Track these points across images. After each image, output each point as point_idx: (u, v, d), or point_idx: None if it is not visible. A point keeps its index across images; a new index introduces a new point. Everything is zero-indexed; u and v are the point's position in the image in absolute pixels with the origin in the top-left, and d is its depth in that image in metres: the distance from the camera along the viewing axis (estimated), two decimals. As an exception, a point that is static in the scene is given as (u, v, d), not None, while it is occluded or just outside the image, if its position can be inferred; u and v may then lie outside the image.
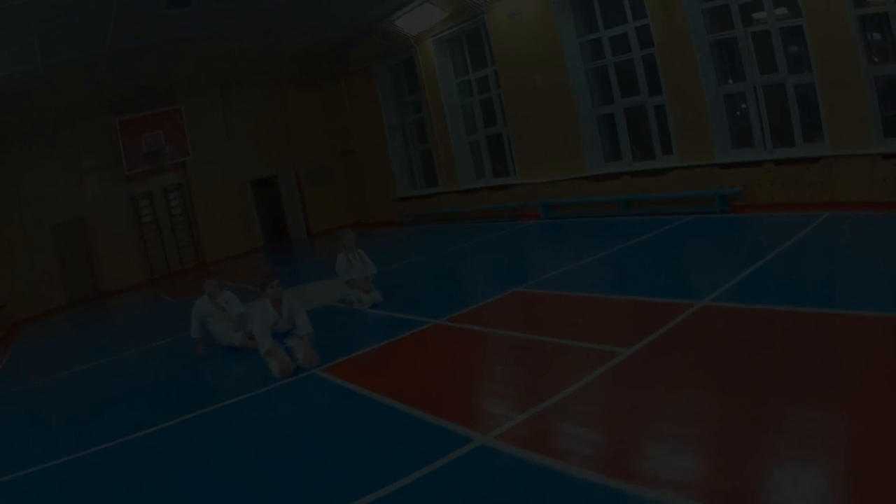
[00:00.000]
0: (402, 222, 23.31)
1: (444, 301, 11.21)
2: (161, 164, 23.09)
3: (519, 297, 10.49)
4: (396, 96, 24.14)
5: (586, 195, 16.98)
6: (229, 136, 24.53)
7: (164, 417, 7.89)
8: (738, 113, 14.39)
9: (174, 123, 23.18)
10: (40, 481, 6.71)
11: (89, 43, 15.44)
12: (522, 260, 14.50)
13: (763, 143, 13.67)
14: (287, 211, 26.08)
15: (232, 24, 16.93)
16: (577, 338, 7.71)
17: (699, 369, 6.23)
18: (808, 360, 5.90)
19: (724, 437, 4.86)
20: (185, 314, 11.49)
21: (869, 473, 3.93)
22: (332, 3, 17.97)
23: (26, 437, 8.94)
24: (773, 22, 12.90)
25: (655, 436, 5.14)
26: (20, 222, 20.97)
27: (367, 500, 4.85)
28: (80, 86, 18.28)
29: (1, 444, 8.71)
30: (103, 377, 11.50)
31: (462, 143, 21.27)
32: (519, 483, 4.77)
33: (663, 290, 9.09)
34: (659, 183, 15.36)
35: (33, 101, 18.00)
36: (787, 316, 7.02)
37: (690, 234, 12.76)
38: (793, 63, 12.85)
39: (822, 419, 4.75)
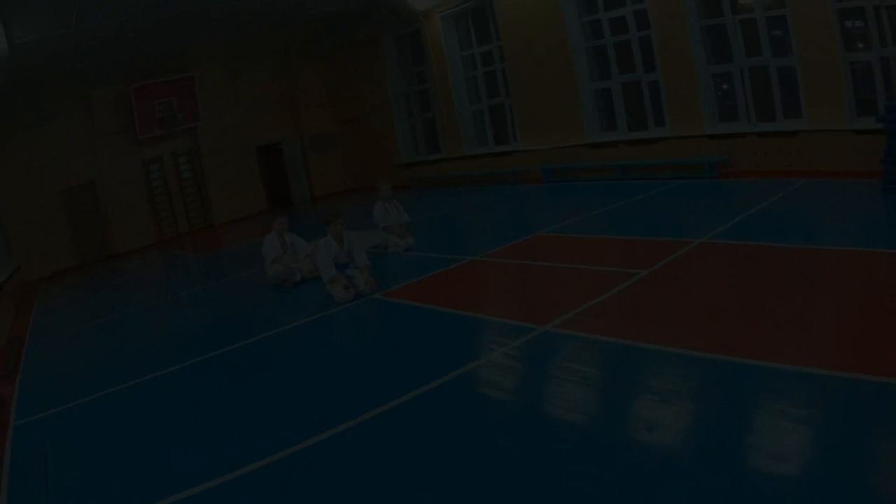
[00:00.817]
0: (408, 186, 24.82)
1: (473, 245, 13.03)
2: (173, 130, 24.16)
3: (540, 239, 12.24)
4: (402, 67, 25.68)
5: (584, 161, 18.72)
6: (238, 103, 25.73)
7: (244, 337, 9.31)
8: (721, 90, 16.20)
9: (186, 90, 24.32)
10: (155, 386, 8.05)
11: (123, 10, 16.46)
12: (534, 214, 16.20)
13: (747, 117, 15.52)
14: (290, 176, 27.39)
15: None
16: (600, 264, 9.63)
17: (705, 280, 8.46)
18: (783, 273, 8.10)
19: (728, 318, 6.97)
20: (217, 265, 12.94)
21: (821, 334, 5.97)
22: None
23: (129, 354, 10.20)
24: (760, 10, 14.71)
25: (677, 319, 7.17)
26: (33, 186, 21.81)
27: (465, 370, 6.57)
28: (102, 53, 19.32)
29: (112, 358, 10.12)
30: (173, 312, 12.92)
31: (465, 113, 22.93)
32: (582, 350, 6.65)
33: (666, 232, 11.17)
34: (652, 151, 17.17)
35: (52, 67, 18.94)
36: (768, 249, 9.14)
37: (683, 194, 14.60)
38: (776, 47, 14.68)
39: (792, 306, 6.82)
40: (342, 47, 26.70)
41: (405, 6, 22.42)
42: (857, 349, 5.62)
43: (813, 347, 5.72)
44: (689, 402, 5.18)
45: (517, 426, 5.30)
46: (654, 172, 16.92)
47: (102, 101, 22.99)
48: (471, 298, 9.41)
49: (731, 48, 15.56)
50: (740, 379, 5.37)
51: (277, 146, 27.00)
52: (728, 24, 15.40)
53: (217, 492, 4.91)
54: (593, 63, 18.85)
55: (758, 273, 8.29)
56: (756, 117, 15.42)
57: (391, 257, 12.85)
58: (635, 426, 5.04)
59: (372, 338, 8.90)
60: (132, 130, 23.45)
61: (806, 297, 7.05)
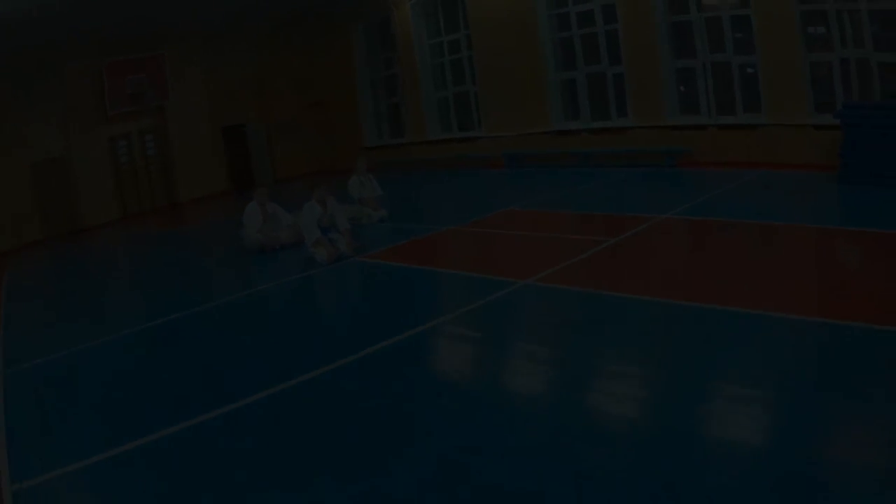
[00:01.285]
0: (372, 168, 25.05)
1: (446, 217, 13.65)
2: (143, 106, 24.15)
3: (510, 213, 12.92)
4: (370, 53, 26.03)
5: (548, 148, 19.33)
6: (206, 83, 25.78)
7: (237, 291, 9.88)
8: (681, 89, 16.96)
9: (158, 68, 24.25)
10: (135, 338, 8.47)
11: None
12: (501, 193, 16.72)
13: (708, 111, 16.28)
14: (254, 157, 27.52)
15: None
16: (570, 233, 10.48)
17: (665, 246, 9.53)
18: (735, 241, 9.33)
19: (690, 273, 8.02)
20: (193, 237, 13.25)
21: (765, 283, 6.82)
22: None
23: (111, 312, 10.58)
24: (725, 9, 15.46)
25: (644, 274, 8.20)
26: (2, 157, 21.56)
27: (455, 315, 7.20)
28: (75, 24, 19.29)
29: (96, 315, 10.40)
30: (154, 278, 13.12)
31: (431, 99, 23.40)
32: (559, 299, 7.49)
33: (629, 209, 11.95)
34: (614, 140, 17.87)
35: (26, 36, 18.83)
36: (723, 223, 10.32)
37: (644, 180, 15.36)
38: (739, 45, 15.44)
39: (742, 264, 7.93)
40: (312, 32, 26.91)
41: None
42: (795, 295, 6.71)
43: (757, 294, 6.77)
44: (645, 337, 6.19)
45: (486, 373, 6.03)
46: (617, 160, 17.55)
47: (75, 75, 22.83)
48: (450, 260, 10.06)
49: (695, 44, 16.25)
50: (697, 317, 6.43)
51: (242, 128, 27.09)
52: (693, 21, 16.09)
53: (175, 437, 5.38)
54: (560, 54, 19.45)
55: (712, 241, 9.49)
56: (717, 111, 16.14)
57: (366, 227, 13.23)
58: (590, 354, 5.97)
59: (351, 295, 9.38)
60: (102, 106, 23.35)
61: (754, 257, 8.35)
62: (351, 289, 9.58)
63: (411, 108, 23.89)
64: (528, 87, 19.69)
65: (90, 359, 7.68)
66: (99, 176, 23.52)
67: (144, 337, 8.19)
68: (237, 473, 4.68)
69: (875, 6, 12.75)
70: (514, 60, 19.81)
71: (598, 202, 13.37)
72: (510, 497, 3.92)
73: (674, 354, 5.65)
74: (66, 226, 22.74)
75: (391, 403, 5.36)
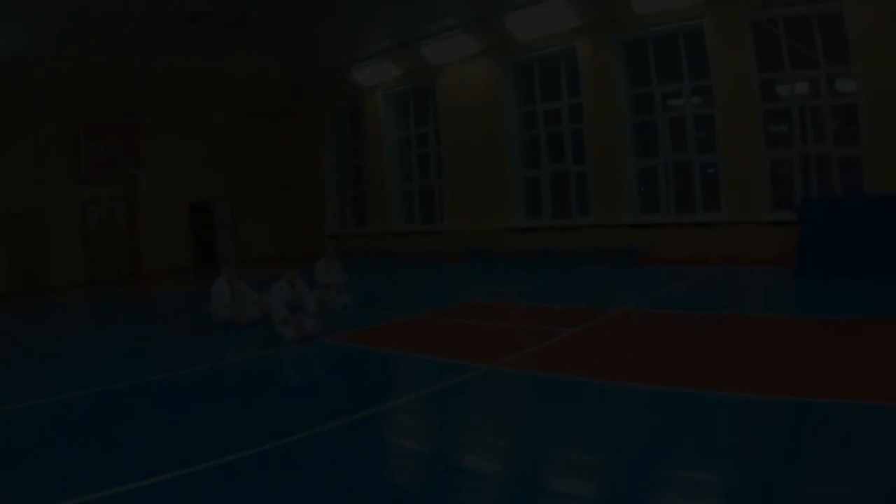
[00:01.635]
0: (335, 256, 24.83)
1: (409, 305, 13.47)
2: (116, 173, 24.02)
3: (474, 304, 12.71)
4: (339, 140, 26.21)
5: (509, 244, 19.25)
6: (178, 157, 25.73)
7: (200, 363, 9.36)
8: (641, 190, 17.10)
9: (133, 136, 24.25)
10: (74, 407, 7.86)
11: (102, 38, 16.58)
12: (462, 286, 16.42)
13: (668, 209, 16.35)
14: (218, 235, 27.28)
15: (219, 46, 18.60)
16: (526, 324, 10.45)
17: (621, 336, 9.39)
18: (690, 330, 9.35)
19: (646, 360, 7.93)
20: (155, 306, 12.84)
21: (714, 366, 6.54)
22: (312, 43, 19.82)
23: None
24: (689, 110, 15.72)
25: (600, 360, 8.04)
26: None
27: (413, 397, 6.94)
28: (57, 82, 19.40)
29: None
30: (131, 340, 12.47)
31: (396, 190, 23.41)
32: (517, 384, 7.31)
33: (587, 302, 11.84)
34: (575, 237, 17.82)
35: (7, 89, 18.95)
36: (677, 315, 10.35)
37: (603, 276, 15.23)
38: (701, 145, 15.65)
39: (693, 350, 7.74)
40: (283, 115, 27.13)
41: (350, 81, 23.07)
42: (741, 376, 6.80)
43: (709, 377, 6.86)
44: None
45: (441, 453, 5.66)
46: (577, 257, 17.47)
47: (52, 133, 22.77)
48: (412, 345, 9.83)
49: (657, 144, 16.45)
50: (652, 399, 6.40)
51: (209, 205, 26.94)
52: (658, 121, 16.33)
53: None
54: (525, 151, 19.61)
55: (668, 331, 9.47)
56: (677, 209, 16.21)
57: (331, 311, 12.96)
58: (543, 436, 5.73)
59: (313, 374, 9.16)
60: (77, 167, 23.21)
61: (707, 345, 8.50)
62: (314, 368, 9.32)
63: (376, 198, 23.87)
64: (493, 183, 19.79)
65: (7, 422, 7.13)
66: (67, 236, 23.18)
67: (78, 405, 7.63)
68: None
69: (838, 101, 13.04)
70: (480, 156, 19.97)
71: (557, 296, 13.28)
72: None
73: (630, 435, 5.54)
74: (29, 282, 22.20)
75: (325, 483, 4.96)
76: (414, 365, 8.54)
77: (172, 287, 20.71)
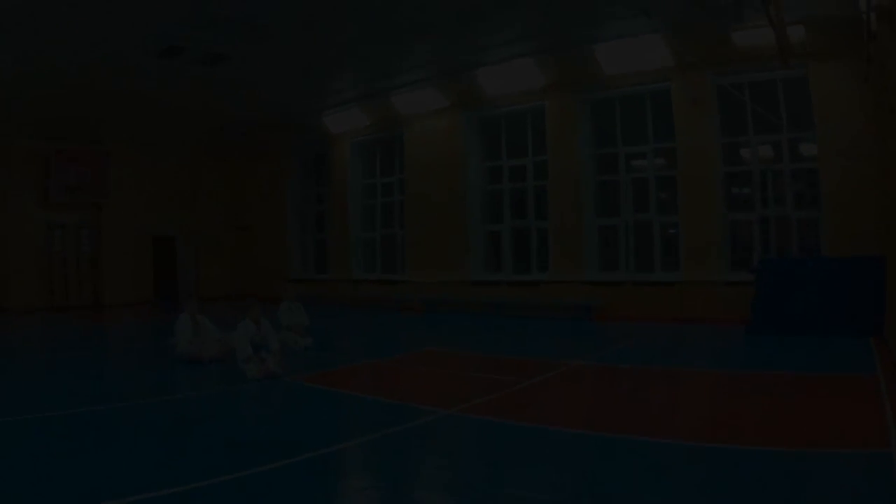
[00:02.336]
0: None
1: (366, 351, 13.67)
2: (82, 200, 23.85)
3: (428, 353, 12.76)
4: (304, 185, 26.21)
5: (468, 297, 19.26)
6: (144, 189, 25.60)
7: (154, 395, 9.14)
8: (607, 245, 17.31)
9: (101, 164, 24.16)
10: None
11: (77, 63, 16.49)
12: (422, 334, 16.30)
13: (626, 267, 16.52)
14: (179, 270, 27.03)
15: (191, 83, 18.64)
16: (482, 374, 10.40)
17: (574, 387, 9.59)
18: (638, 384, 9.61)
19: (597, 409, 8.15)
20: (116, 336, 12.59)
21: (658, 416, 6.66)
22: (283, 85, 19.95)
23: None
24: (652, 171, 16.01)
25: (551, 408, 8.22)
26: None
27: (366, 439, 6.87)
28: (25, 107, 19.36)
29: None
30: (88, 367, 12.31)
31: (358, 238, 23.41)
32: (470, 429, 7.29)
33: (542, 355, 12.00)
34: (534, 292, 17.91)
35: None
36: (629, 369, 10.59)
37: (560, 331, 15.29)
38: (662, 206, 15.91)
39: (644, 400, 8.19)
40: (248, 155, 27.14)
41: (318, 126, 23.20)
42: (693, 427, 7.07)
43: (655, 425, 7.12)
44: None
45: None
46: (535, 312, 17.52)
47: (20, 155, 22.64)
48: (369, 388, 9.92)
49: (619, 203, 16.70)
50: (601, 446, 6.54)
51: (172, 239, 26.76)
52: (621, 180, 16.59)
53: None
54: (488, 205, 19.76)
55: (619, 384, 9.74)
56: (636, 267, 16.40)
57: (293, 352, 12.85)
58: (492, 480, 5.74)
59: (272, 411, 8.92)
60: (44, 191, 23.05)
61: (656, 396, 8.81)
62: (271, 406, 9.14)
63: (337, 244, 23.85)
64: (454, 236, 19.88)
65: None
66: (29, 260, 22.91)
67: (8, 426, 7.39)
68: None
69: (799, 166, 13.40)
70: (444, 208, 20.09)
71: (513, 348, 13.38)
72: None
73: (582, 481, 5.66)
74: None
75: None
76: (370, 408, 8.49)
77: (133, 319, 20.39)
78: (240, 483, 5.36)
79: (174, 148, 26.03)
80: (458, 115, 19.88)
